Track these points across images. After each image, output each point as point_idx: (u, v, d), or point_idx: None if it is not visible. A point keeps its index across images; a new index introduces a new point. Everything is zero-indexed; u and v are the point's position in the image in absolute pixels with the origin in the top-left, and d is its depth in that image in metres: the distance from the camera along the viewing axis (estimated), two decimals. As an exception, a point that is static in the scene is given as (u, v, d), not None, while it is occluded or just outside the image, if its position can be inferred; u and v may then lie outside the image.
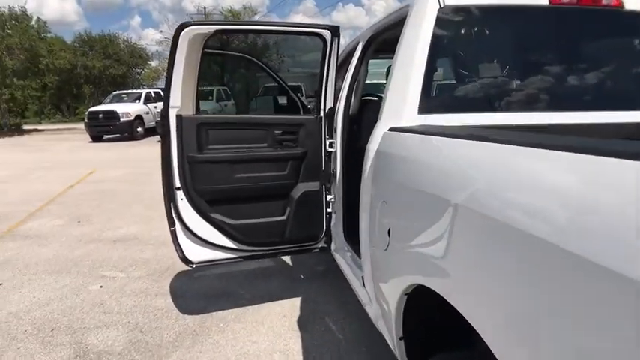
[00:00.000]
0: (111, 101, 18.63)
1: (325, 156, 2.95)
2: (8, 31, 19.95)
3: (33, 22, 20.80)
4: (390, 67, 3.03)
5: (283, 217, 2.95)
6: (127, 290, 3.80)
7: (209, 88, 19.54)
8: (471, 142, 1.33)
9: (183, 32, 2.52)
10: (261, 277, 3.96)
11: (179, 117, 2.65)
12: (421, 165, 1.53)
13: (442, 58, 2.14)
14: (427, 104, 1.90)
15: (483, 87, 2.07)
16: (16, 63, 19.51)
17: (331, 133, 2.96)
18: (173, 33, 2.55)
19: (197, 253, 2.86)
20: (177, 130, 2.64)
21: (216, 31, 2.65)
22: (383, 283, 1.81)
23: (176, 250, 2.85)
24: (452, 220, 1.25)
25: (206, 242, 2.84)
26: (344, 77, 3.04)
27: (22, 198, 7.56)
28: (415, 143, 1.63)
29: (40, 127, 23.63)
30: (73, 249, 4.88)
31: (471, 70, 2.19)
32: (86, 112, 17.95)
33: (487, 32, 2.18)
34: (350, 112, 2.96)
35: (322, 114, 2.92)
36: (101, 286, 3.89)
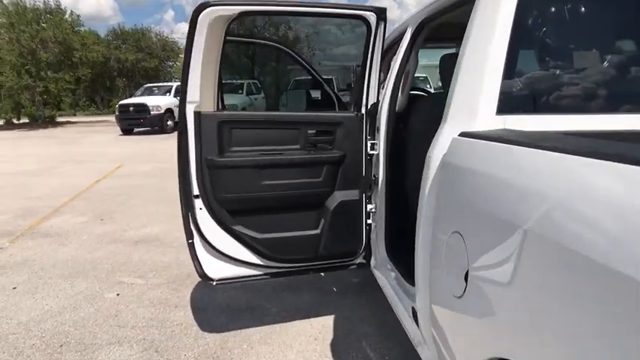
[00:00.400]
0: (142, 94, 18.59)
1: (366, 159, 2.55)
2: (43, 25, 20.17)
3: (67, 16, 20.99)
4: (443, 58, 2.62)
5: (317, 231, 2.58)
6: (144, 300, 3.50)
7: (239, 81, 19.34)
8: (588, 159, 0.91)
9: (202, 14, 2.16)
10: (290, 289, 3.59)
11: (197, 114, 2.29)
12: (512, 189, 1.11)
13: (527, 45, 1.70)
14: (508, 102, 1.48)
15: (581, 81, 1.62)
16: (49, 56, 19.72)
17: (373, 133, 2.56)
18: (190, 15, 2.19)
19: (218, 269, 2.51)
20: (195, 129, 2.29)
21: (242, 13, 2.26)
22: (451, 340, 1.40)
23: (194, 266, 2.50)
24: (570, 272, 0.85)
25: (228, 257, 2.48)
26: (388, 69, 2.62)
27: (49, 192, 7.44)
28: (501, 156, 1.21)
29: (73, 120, 23.95)
30: (92, 250, 4.63)
31: (563, 59, 1.74)
32: (117, 105, 17.97)
33: (585, 12, 1.71)
34: (396, 109, 2.55)
35: (364, 111, 2.52)
36: (118, 295, 3.61)
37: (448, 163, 1.46)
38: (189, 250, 2.47)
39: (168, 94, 18.25)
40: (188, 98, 2.25)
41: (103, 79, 30.13)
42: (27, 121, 22.07)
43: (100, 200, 6.81)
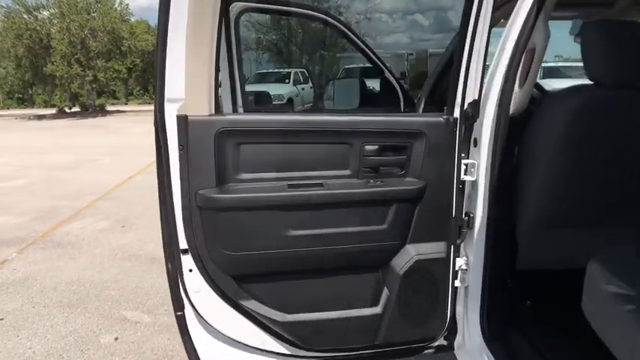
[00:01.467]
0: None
1: (457, 190, 1.63)
2: (93, 14, 20.08)
3: (116, 5, 20.85)
4: (582, 30, 1.65)
5: (376, 309, 1.68)
6: (146, 350, 2.72)
7: (286, 70, 18.50)
8: None
9: None
10: None
11: (182, 119, 1.44)
12: None
13: None
14: None
15: None
16: (99, 45, 19.61)
17: (467, 148, 1.62)
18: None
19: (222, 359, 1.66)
20: (179, 145, 1.44)
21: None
22: None
23: (187, 353, 1.64)
24: None
25: (236, 342, 1.63)
26: (497, 52, 1.66)
27: (77, 189, 6.94)
28: None
29: (123, 108, 23.97)
30: (103, 269, 3.93)
31: None
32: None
33: None
34: (510, 112, 1.59)
35: (457, 113, 1.59)
36: (116, 339, 2.85)
37: None
38: (178, 324, 1.62)
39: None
40: (166, 94, 1.39)
41: (154, 68, 30.06)
42: (78, 109, 22.25)
43: (127, 201, 6.19)
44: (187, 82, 1.39)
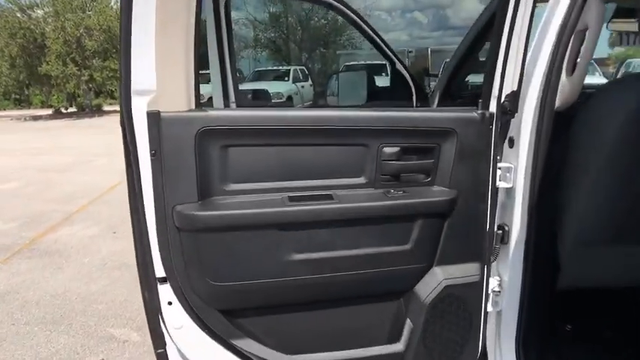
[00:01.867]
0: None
1: (492, 199, 1.36)
2: (88, 13, 19.74)
3: (112, 3, 20.50)
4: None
5: (398, 346, 1.42)
6: (133, 375, 2.47)
7: (286, 67, 18.23)
8: None
9: None
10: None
11: (154, 116, 1.16)
12: None
13: None
14: None
15: None
16: (94, 44, 19.26)
17: (501, 147, 1.36)
18: None
19: None
20: (151, 150, 1.17)
21: None
22: None
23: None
24: None
25: None
26: (538, 34, 1.39)
27: (70, 192, 6.69)
28: None
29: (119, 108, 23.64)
30: (91, 280, 3.66)
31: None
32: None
33: None
34: (556, 105, 1.32)
35: (494, 108, 1.32)
36: (101, 361, 2.60)
37: None
38: None
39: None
40: (133, 84, 1.12)
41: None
42: (75, 110, 21.93)
43: (119, 205, 5.87)
44: (159, 68, 1.11)
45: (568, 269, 1.54)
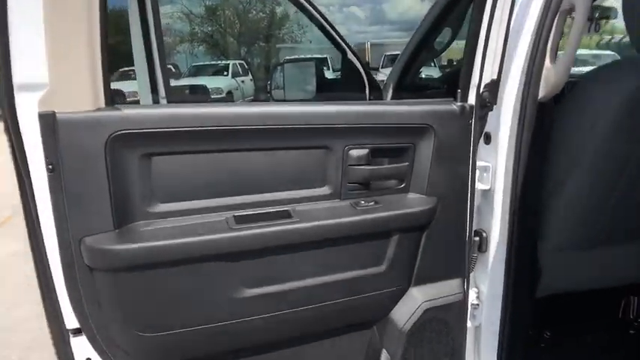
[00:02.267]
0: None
1: (471, 204, 1.19)
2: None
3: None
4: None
5: None
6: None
7: (224, 62, 17.71)
8: None
9: None
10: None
11: (48, 119, 0.88)
12: None
13: None
14: None
15: None
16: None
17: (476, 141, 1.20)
18: None
19: None
20: (48, 163, 0.89)
21: None
22: None
23: None
24: None
25: None
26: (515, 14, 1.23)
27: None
28: None
29: None
30: (14, 304, 3.26)
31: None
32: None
33: None
34: (539, 96, 1.16)
35: (473, 99, 1.15)
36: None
37: None
38: None
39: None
40: (16, 77, 0.84)
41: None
42: None
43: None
44: (52, 54, 0.85)
45: (549, 275, 1.42)
